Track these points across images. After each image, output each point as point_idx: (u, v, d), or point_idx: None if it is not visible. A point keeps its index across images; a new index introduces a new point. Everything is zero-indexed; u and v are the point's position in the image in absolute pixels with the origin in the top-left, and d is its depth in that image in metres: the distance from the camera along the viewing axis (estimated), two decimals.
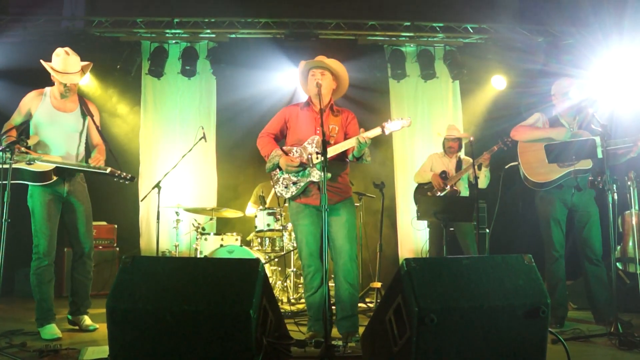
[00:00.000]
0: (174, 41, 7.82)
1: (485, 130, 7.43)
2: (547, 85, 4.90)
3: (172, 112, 7.85)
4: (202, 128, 5.99)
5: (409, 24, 7.75)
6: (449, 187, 5.85)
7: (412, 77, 7.92)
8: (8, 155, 3.76)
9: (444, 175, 5.95)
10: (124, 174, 4.47)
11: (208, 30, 7.69)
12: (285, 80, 7.65)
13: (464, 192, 5.95)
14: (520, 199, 7.21)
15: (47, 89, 4.46)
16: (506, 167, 5.11)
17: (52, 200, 4.34)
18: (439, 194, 5.84)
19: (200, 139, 5.94)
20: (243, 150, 7.58)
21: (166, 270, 2.80)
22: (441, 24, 7.73)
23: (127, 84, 7.78)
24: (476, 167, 5.57)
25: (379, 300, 5.75)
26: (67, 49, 4.42)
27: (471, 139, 5.39)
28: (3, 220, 3.62)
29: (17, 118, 4.36)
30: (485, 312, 2.52)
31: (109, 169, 4.39)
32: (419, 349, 2.44)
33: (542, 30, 7.72)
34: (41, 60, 4.42)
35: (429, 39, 7.87)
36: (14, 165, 3.91)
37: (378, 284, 5.85)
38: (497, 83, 7.69)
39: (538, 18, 7.72)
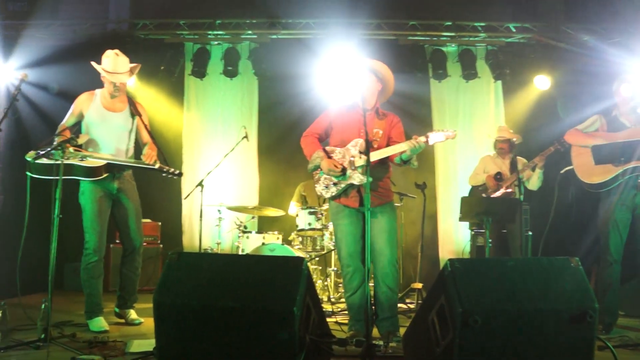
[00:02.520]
0: (216, 42, 7.93)
1: (528, 132, 7.30)
2: (593, 85, 4.80)
3: (214, 112, 7.97)
4: (245, 128, 6.08)
5: (450, 23, 7.68)
6: (503, 188, 5.79)
7: (454, 77, 7.84)
8: (60, 153, 3.89)
9: (499, 177, 5.88)
10: (172, 169, 4.57)
11: (249, 31, 7.77)
12: (325, 80, 7.67)
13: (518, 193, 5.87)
14: (575, 203, 7.05)
15: (97, 91, 4.61)
16: (562, 171, 4.99)
17: (103, 198, 4.48)
18: (493, 194, 5.78)
19: (242, 138, 6.02)
20: (284, 149, 7.66)
21: (211, 267, 2.85)
22: (483, 24, 7.63)
23: (171, 84, 7.92)
24: (529, 168, 5.51)
25: (419, 301, 5.74)
26: (116, 50, 4.57)
27: (520, 140, 5.31)
28: (55, 216, 3.74)
29: (69, 119, 4.52)
30: (530, 315, 2.49)
31: (157, 165, 4.49)
32: (462, 350, 2.43)
33: (588, 28, 7.53)
34: (92, 62, 4.58)
35: (471, 39, 7.77)
36: (67, 162, 4.08)
37: (419, 285, 5.83)
38: (541, 83, 7.53)
39: (583, 16, 7.55)
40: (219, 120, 7.92)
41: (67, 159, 4.11)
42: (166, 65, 7.70)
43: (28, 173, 4.19)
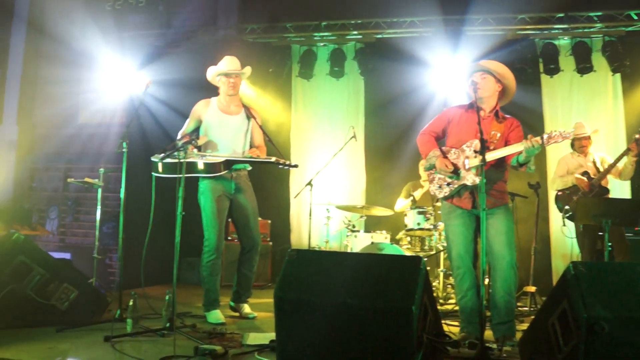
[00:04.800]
0: (322, 44, 8.07)
1: None
2: None
3: (321, 113, 8.11)
4: (353, 127, 6.15)
5: (562, 15, 7.31)
6: (596, 186, 5.52)
7: (567, 71, 7.44)
8: (183, 153, 4.13)
9: (587, 176, 5.62)
10: (288, 161, 4.67)
11: (355, 32, 7.83)
12: (433, 78, 7.57)
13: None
14: None
15: (213, 98, 4.90)
16: None
17: (221, 197, 4.71)
18: (586, 195, 5.52)
19: (350, 138, 6.10)
20: (390, 149, 7.67)
21: (330, 264, 2.92)
22: (599, 13, 7.20)
23: (279, 86, 8.15)
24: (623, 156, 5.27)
25: (532, 305, 5.57)
26: (229, 56, 4.86)
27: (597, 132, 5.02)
28: (178, 213, 3.95)
29: (189, 125, 4.83)
30: None
31: (273, 158, 4.62)
32: (588, 358, 2.34)
33: None
34: (208, 71, 4.87)
35: (585, 30, 7.35)
36: (188, 159, 4.35)
37: (532, 288, 5.64)
38: None
39: None
40: (326, 121, 8.05)
41: (189, 158, 4.37)
42: (274, 68, 7.95)
43: (153, 173, 4.50)
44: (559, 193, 5.90)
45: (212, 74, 4.87)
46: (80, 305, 4.23)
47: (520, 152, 3.78)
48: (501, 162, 3.99)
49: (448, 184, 4.05)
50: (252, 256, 4.89)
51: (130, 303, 3.97)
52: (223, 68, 4.81)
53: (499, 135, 3.99)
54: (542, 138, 3.71)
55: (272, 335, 3.49)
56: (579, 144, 5.84)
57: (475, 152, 3.89)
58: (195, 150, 4.52)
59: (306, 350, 2.78)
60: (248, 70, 4.92)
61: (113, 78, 6.67)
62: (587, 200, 5.36)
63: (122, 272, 4.56)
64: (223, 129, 4.77)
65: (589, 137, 5.79)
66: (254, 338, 3.73)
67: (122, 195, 4.55)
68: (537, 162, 7.28)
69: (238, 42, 7.93)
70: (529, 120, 7.21)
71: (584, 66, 7.28)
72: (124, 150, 4.49)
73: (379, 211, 6.57)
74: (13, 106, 6.92)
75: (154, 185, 4.31)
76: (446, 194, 4.07)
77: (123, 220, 4.55)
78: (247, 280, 4.92)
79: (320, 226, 7.08)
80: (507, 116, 4.14)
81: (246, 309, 4.89)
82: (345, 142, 6.17)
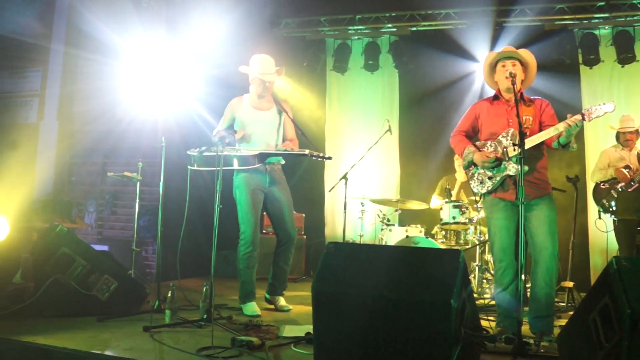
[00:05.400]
0: (356, 37, 8.05)
1: None
2: None
3: (355, 106, 8.09)
4: (388, 121, 6.11)
5: (603, 3, 7.14)
6: (637, 181, 5.38)
7: (607, 62, 7.26)
8: (221, 147, 4.18)
9: (628, 170, 5.48)
10: (321, 154, 4.67)
11: (389, 25, 7.80)
12: (468, 71, 7.49)
13: None
14: None
15: (245, 95, 4.94)
16: None
17: (256, 191, 4.74)
18: (626, 189, 5.38)
19: (386, 132, 6.06)
20: (425, 142, 7.61)
21: (367, 257, 2.89)
22: None
23: (313, 80, 8.16)
24: None
25: (570, 301, 5.46)
26: (264, 54, 4.85)
27: None
28: (216, 206, 4.00)
29: (223, 123, 4.87)
30: None
31: (307, 151, 4.62)
32: (632, 355, 2.26)
33: None
34: (240, 67, 4.90)
35: (628, 19, 7.15)
36: (227, 153, 4.43)
37: (570, 284, 5.53)
38: None
39: None
40: (361, 114, 8.03)
41: (225, 151, 4.43)
42: (308, 62, 7.98)
43: (189, 167, 4.56)
44: (598, 186, 5.76)
45: (247, 72, 4.90)
46: (120, 296, 4.30)
47: (561, 134, 3.70)
48: (541, 148, 3.91)
49: (490, 178, 3.99)
50: (289, 249, 4.91)
51: (169, 294, 4.02)
52: (259, 69, 4.80)
53: (531, 119, 3.93)
54: (582, 115, 3.63)
55: (308, 328, 3.54)
56: (624, 138, 5.70)
57: (514, 143, 3.82)
58: (233, 141, 4.59)
59: (343, 343, 2.76)
60: (282, 72, 4.94)
61: (149, 72, 6.74)
62: (629, 194, 5.24)
63: (160, 263, 4.63)
64: (256, 125, 4.81)
65: (635, 131, 5.64)
66: (290, 330, 3.74)
67: (160, 188, 4.61)
68: (578, 154, 7.18)
69: (272, 36, 7.95)
70: (567, 113, 7.03)
71: (625, 56, 7.09)
72: (162, 144, 4.55)
73: (414, 205, 6.53)
74: (54, 102, 7.06)
75: (189, 178, 4.36)
76: (489, 188, 4.00)
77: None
78: (283, 273, 4.94)
79: (354, 220, 7.06)
80: (534, 97, 4.07)
81: (281, 301, 4.91)
82: (380, 135, 6.13)
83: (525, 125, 3.85)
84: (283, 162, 4.93)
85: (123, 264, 4.81)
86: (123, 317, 4.07)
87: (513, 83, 3.77)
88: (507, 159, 3.90)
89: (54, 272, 4.08)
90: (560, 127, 3.68)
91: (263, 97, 4.87)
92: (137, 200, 5.20)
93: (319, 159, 4.65)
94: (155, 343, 3.40)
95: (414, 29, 7.72)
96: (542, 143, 3.84)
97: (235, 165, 4.57)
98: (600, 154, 5.96)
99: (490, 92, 4.23)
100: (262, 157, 4.62)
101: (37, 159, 6.94)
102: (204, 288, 3.99)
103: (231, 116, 4.86)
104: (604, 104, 3.66)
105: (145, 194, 6.53)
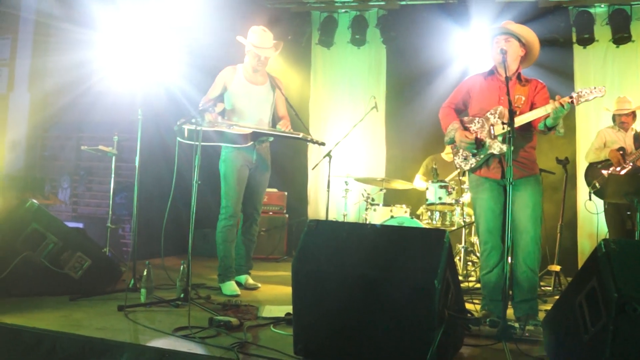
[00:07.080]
0: (343, 10, 7.83)
1: None
2: None
3: (341, 82, 7.90)
4: (374, 97, 5.97)
5: None
6: (630, 163, 5.29)
7: (602, 42, 7.08)
8: (200, 120, 4.01)
9: (622, 152, 5.39)
10: (315, 139, 4.63)
11: None
12: (457, 47, 7.31)
13: None
14: None
15: (239, 65, 4.79)
16: None
17: (243, 166, 4.66)
18: (618, 171, 5.30)
19: (372, 109, 5.93)
20: (412, 120, 7.42)
21: (349, 235, 2.82)
22: None
23: (298, 54, 7.94)
24: None
25: (556, 285, 5.41)
26: (262, 27, 4.72)
27: None
28: (194, 182, 3.88)
29: (213, 92, 4.70)
30: None
31: (301, 134, 4.57)
32: (617, 339, 2.21)
33: None
34: (238, 37, 4.74)
35: None
36: (217, 129, 4.35)
37: (557, 267, 5.47)
38: None
39: None
40: (346, 90, 7.84)
41: (217, 126, 4.35)
42: (293, 35, 7.74)
43: (178, 138, 4.38)
44: (592, 166, 5.68)
45: (243, 42, 4.74)
46: (94, 275, 4.21)
47: (548, 115, 3.59)
48: (529, 128, 3.80)
49: (474, 155, 3.90)
50: (252, 225, 4.87)
51: (145, 273, 3.93)
52: (255, 42, 4.66)
53: (523, 99, 3.82)
54: (571, 97, 3.51)
55: (287, 308, 3.48)
56: (620, 120, 5.64)
57: (502, 121, 3.73)
58: (219, 118, 4.45)
59: (323, 323, 2.70)
60: (279, 47, 4.81)
61: (126, 44, 6.50)
62: (620, 177, 5.17)
63: (135, 241, 4.51)
64: (249, 99, 4.70)
65: (632, 113, 5.55)
66: (270, 310, 3.72)
67: (137, 163, 4.47)
68: (567, 136, 7.07)
69: (255, 7, 7.71)
70: (560, 93, 6.88)
71: (621, 36, 6.88)
72: (139, 117, 4.41)
73: (399, 184, 6.41)
74: (24, 72, 6.79)
75: (177, 152, 4.19)
76: (472, 165, 3.92)
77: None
78: (248, 251, 4.89)
79: (338, 199, 6.92)
80: (530, 78, 3.96)
81: (249, 280, 4.87)
82: (366, 112, 5.99)
83: (516, 105, 3.78)
84: (272, 139, 4.83)
85: (98, 242, 4.67)
86: (97, 296, 3.99)
87: (503, 60, 3.66)
88: (492, 137, 3.80)
89: (23, 249, 3.95)
90: (549, 107, 3.56)
91: (258, 71, 4.75)
92: (113, 176, 5.05)
93: (313, 144, 4.63)
94: (129, 322, 3.34)
95: (403, 2, 7.52)
96: (530, 123, 3.74)
97: (226, 141, 4.49)
98: (597, 133, 5.88)
99: (480, 70, 4.10)
100: (256, 136, 4.55)
101: (7, 132, 6.69)
102: (182, 267, 3.92)
103: (223, 86, 4.70)
104: (594, 87, 3.53)
105: (122, 169, 6.37)
